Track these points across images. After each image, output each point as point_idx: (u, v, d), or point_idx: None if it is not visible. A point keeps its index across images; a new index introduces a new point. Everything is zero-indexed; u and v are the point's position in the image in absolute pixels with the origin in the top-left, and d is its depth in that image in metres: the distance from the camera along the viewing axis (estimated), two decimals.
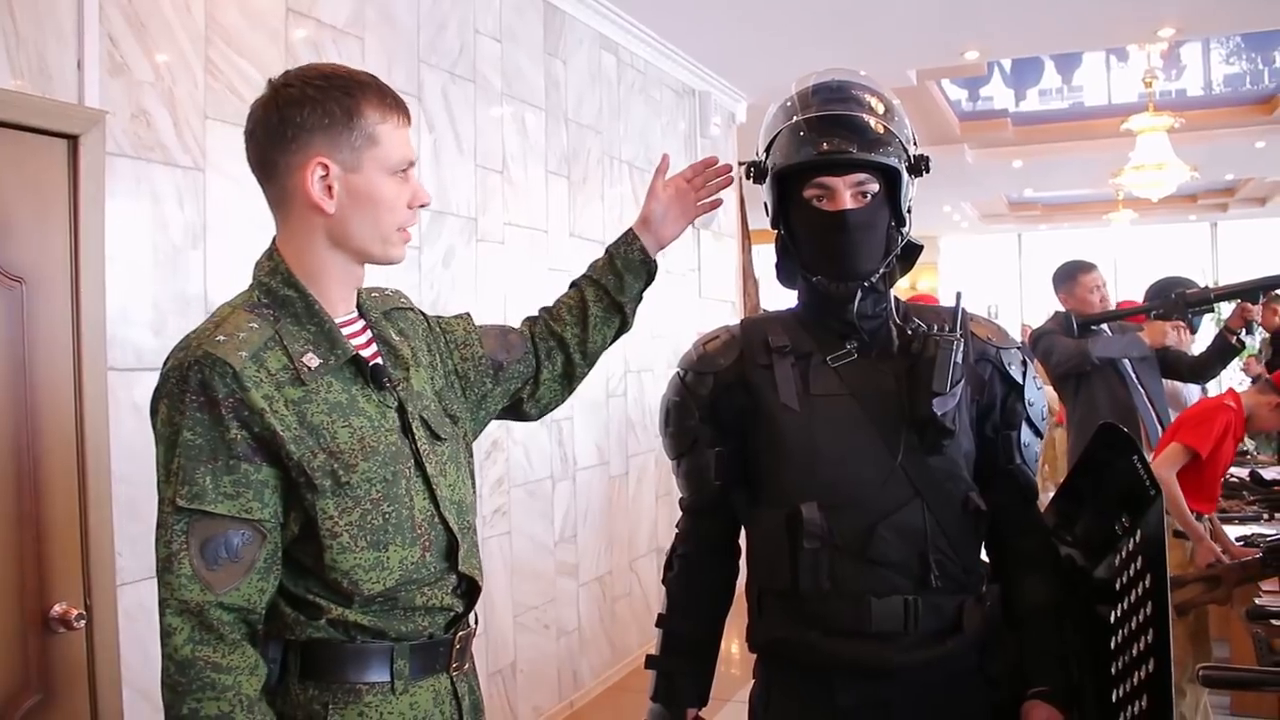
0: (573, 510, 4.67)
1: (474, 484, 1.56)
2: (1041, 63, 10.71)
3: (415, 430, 1.43)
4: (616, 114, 5.18)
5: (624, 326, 1.72)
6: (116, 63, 2.49)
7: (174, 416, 1.28)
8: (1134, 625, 1.51)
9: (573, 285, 1.73)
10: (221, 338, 1.30)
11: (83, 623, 2.33)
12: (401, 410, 1.43)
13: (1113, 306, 4.65)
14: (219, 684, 1.24)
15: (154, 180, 2.60)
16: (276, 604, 1.35)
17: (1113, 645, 1.57)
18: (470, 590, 1.49)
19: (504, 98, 4.18)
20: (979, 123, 9.77)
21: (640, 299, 1.73)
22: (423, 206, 1.44)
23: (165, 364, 1.34)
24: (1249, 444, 5.93)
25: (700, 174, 1.75)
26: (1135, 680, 1.48)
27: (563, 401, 1.74)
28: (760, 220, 8.27)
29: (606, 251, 1.72)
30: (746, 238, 7.32)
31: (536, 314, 1.74)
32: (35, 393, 2.29)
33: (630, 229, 1.72)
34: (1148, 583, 1.50)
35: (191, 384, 1.27)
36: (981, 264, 15.41)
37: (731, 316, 6.77)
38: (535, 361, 1.67)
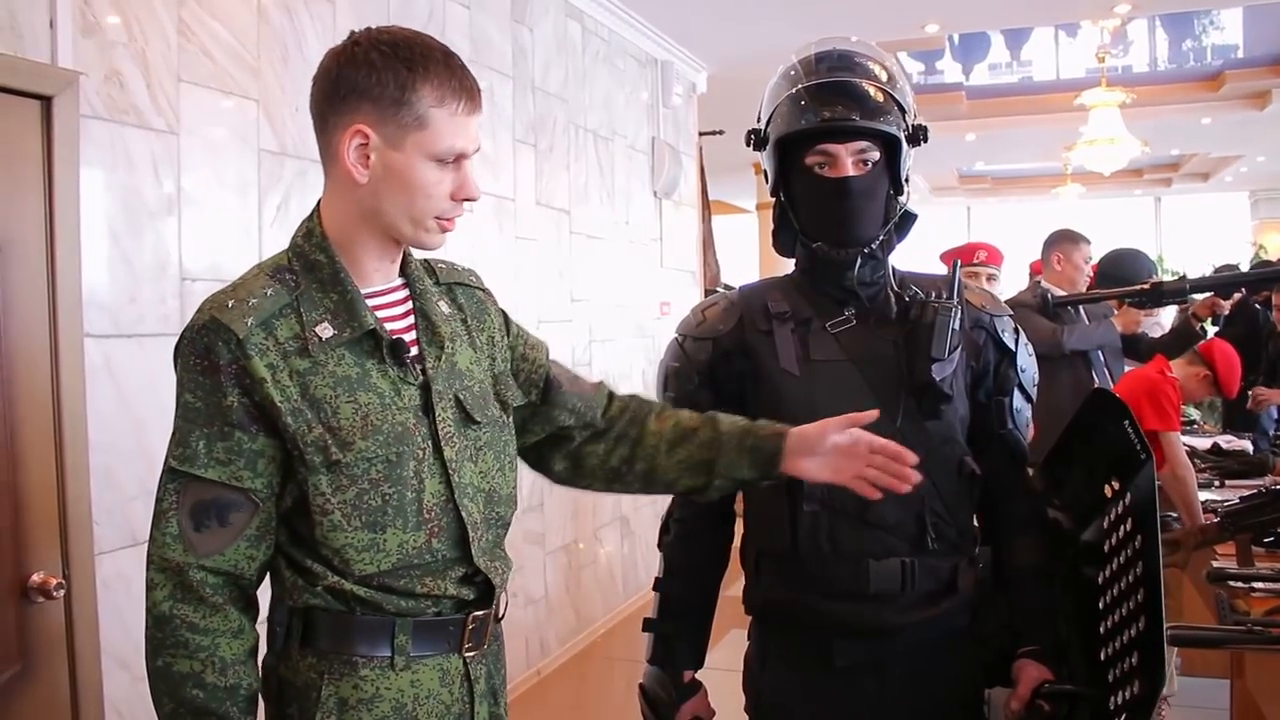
0: (539, 479, 4.65)
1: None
2: (989, 37, 10.79)
3: (439, 411, 1.37)
4: (582, 83, 5.14)
5: (695, 491, 1.56)
6: (89, 22, 2.43)
7: (181, 377, 1.30)
8: (1124, 585, 1.55)
9: (705, 415, 1.57)
10: (232, 303, 1.29)
11: (62, 592, 2.30)
12: (426, 389, 1.37)
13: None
14: (192, 643, 1.26)
15: (128, 144, 2.54)
16: (278, 567, 1.34)
17: (1101, 605, 1.62)
18: (484, 583, 1.42)
19: (472, 65, 4.08)
20: (934, 96, 9.83)
21: (736, 485, 1.55)
22: (469, 200, 1.36)
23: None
24: (1194, 414, 6.08)
25: (887, 460, 1.47)
26: (1125, 638, 1.52)
27: (591, 487, 1.64)
28: (718, 191, 8.19)
29: (750, 421, 1.54)
30: (706, 208, 7.33)
31: (642, 398, 1.62)
32: (11, 360, 2.24)
33: (786, 432, 1.50)
34: (1138, 544, 1.53)
35: (197, 348, 1.28)
36: (930, 236, 15.56)
37: (692, 286, 6.78)
38: (601, 426, 1.59)
